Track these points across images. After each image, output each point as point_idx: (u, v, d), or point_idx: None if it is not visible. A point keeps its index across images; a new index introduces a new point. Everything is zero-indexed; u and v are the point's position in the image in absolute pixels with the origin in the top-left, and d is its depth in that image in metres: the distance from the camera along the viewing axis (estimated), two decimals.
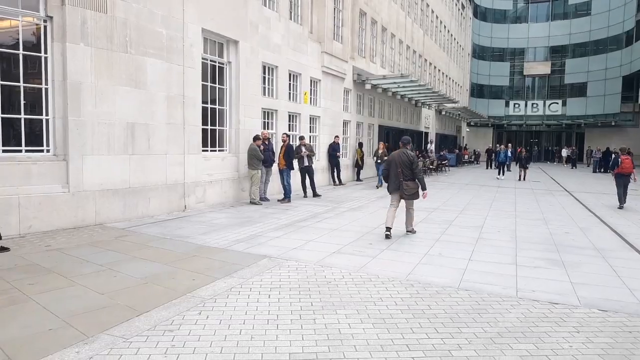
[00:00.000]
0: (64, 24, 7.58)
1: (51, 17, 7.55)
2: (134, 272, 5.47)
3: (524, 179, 22.03)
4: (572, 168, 35.49)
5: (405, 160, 7.90)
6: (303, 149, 13.08)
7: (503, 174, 23.57)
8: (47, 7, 7.51)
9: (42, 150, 7.75)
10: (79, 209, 7.92)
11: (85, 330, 3.78)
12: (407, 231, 8.28)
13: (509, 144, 27.29)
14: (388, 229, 7.84)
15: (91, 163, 8.04)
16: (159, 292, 4.80)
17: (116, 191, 8.51)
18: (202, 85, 10.65)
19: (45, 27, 7.60)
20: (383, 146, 17.56)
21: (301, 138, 13.62)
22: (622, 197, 12.65)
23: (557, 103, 50.16)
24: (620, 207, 12.60)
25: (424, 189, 8.02)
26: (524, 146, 49.29)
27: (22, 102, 7.46)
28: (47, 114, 7.73)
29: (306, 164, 13.14)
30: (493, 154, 30.78)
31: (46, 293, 4.67)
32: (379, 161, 17.31)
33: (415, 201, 8.18)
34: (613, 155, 14.06)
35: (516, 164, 24.60)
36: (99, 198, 8.20)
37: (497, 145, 29.04)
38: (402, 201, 8.15)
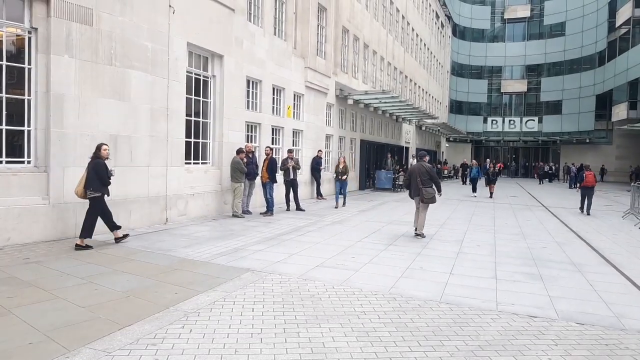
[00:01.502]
0: (49, 36, 7.56)
1: (36, 29, 7.53)
2: (116, 285, 5.42)
3: (492, 195, 20.98)
4: (540, 183, 36.01)
5: (423, 171, 9.46)
6: (290, 161, 13.14)
7: (476, 191, 22.14)
8: (32, 19, 7.49)
9: (22, 162, 7.66)
10: (59, 221, 7.81)
11: (67, 344, 3.74)
12: (415, 234, 9.61)
13: (487, 159, 27.49)
14: (417, 234, 9.58)
15: (73, 175, 7.93)
16: (141, 305, 4.77)
17: None
18: (186, 98, 10.67)
19: (29, 38, 7.59)
20: (344, 161, 15.04)
21: (290, 151, 13.70)
22: (583, 205, 15.15)
23: (534, 120, 51.43)
24: (581, 212, 15.23)
25: (439, 191, 9.53)
26: (503, 161, 50.44)
27: (4, 112, 7.37)
28: (29, 125, 7.66)
29: (291, 177, 13.19)
30: (468, 169, 30.89)
31: (26, 306, 4.60)
32: (339, 177, 14.78)
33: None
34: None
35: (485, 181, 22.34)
36: (79, 210, 8.07)
37: (473, 160, 28.75)
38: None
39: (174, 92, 10.06)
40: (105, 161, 7.50)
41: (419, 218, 9.59)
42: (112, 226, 7.72)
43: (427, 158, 9.81)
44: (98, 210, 7.50)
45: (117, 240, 7.78)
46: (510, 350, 4.00)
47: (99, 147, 7.49)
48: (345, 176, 14.87)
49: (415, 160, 30.58)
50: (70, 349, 3.68)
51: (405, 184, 10.14)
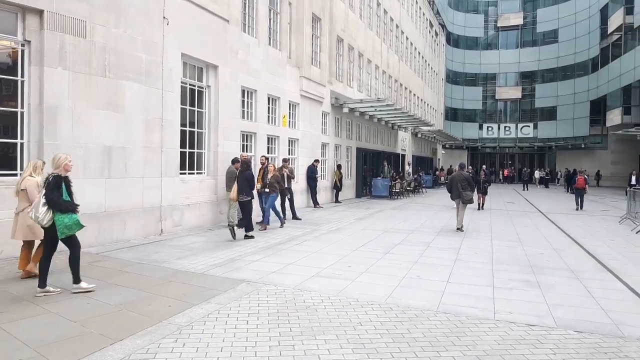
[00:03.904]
0: (42, 48, 7.53)
1: (29, 42, 7.50)
2: (108, 298, 5.35)
3: (482, 207, 18.35)
4: (524, 189, 34.52)
5: (462, 178, 11.87)
6: (285, 170, 13.09)
7: None
8: (25, 32, 7.46)
9: (15, 174, 7.58)
10: None
11: None
12: (457, 228, 11.85)
13: (483, 166, 27.06)
14: (458, 228, 11.82)
15: None
16: (133, 319, 4.70)
17: (91, 215, 8.33)
18: (181, 108, 10.64)
19: (22, 50, 7.54)
20: (274, 169, 11.69)
21: (284, 160, 13.67)
22: (577, 203, 18.98)
23: (529, 126, 51.68)
24: (576, 209, 18.65)
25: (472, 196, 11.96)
26: (509, 167, 50.14)
27: None
28: (22, 138, 7.60)
29: (286, 185, 13.13)
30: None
31: (16, 321, 4.53)
32: (266, 190, 11.44)
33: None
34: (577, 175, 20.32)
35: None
36: None
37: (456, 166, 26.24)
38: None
39: (168, 102, 10.04)
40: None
41: (459, 216, 11.87)
42: (250, 226, 9.85)
43: (466, 168, 12.39)
44: (251, 208, 9.85)
45: (247, 237, 9.71)
46: None
47: (248, 162, 10.01)
48: (273, 189, 11.36)
49: (410, 167, 30.84)
50: None
51: (447, 188, 12.58)
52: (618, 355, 4.11)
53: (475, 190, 21.35)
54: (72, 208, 5.49)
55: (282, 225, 11.77)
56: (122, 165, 8.95)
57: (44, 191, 5.43)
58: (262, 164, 12.53)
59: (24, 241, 6.31)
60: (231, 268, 7.05)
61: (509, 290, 6.23)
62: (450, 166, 31.60)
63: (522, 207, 19.84)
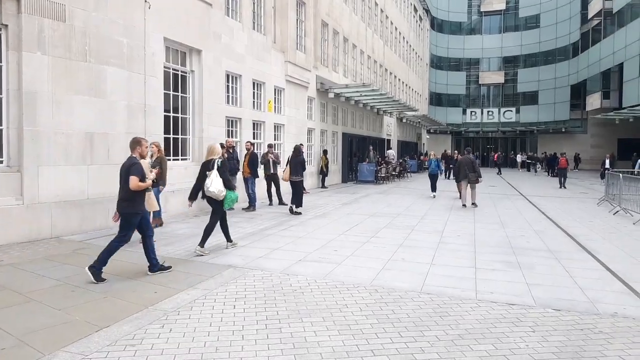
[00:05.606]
0: (20, 33, 7.37)
1: (6, 25, 7.33)
2: (93, 286, 5.32)
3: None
4: (499, 173, 33.51)
5: (468, 161, 13.78)
6: (271, 156, 13.10)
7: (435, 190, 16.98)
8: (2, 15, 7.28)
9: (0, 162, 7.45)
10: (33, 221, 7.63)
11: (42, 348, 3.67)
12: (472, 203, 13.66)
13: (467, 148, 26.19)
14: (464, 205, 13.61)
15: (47, 174, 7.78)
16: (119, 306, 4.70)
17: (73, 203, 8.26)
18: (164, 94, 10.52)
19: None
20: (158, 151, 8.63)
21: (269, 146, 13.65)
22: (561, 181, 21.36)
23: (511, 111, 52.23)
24: (559, 187, 20.97)
25: (479, 176, 13.80)
26: (483, 152, 50.61)
27: None
28: (0, 124, 7.44)
29: (272, 171, 13.14)
30: (451, 160, 26.81)
31: None
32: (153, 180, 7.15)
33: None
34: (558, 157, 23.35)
35: (449, 175, 18.41)
36: (55, 210, 7.94)
37: (431, 151, 21.47)
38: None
39: (151, 87, 9.90)
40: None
41: (471, 193, 13.74)
42: (299, 203, 11.53)
43: (470, 152, 14.74)
44: (302, 188, 11.70)
45: (293, 212, 11.30)
46: (489, 338, 4.06)
47: (300, 149, 12.04)
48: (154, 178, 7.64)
49: (391, 151, 30.99)
50: (45, 352, 3.60)
51: (455, 171, 14.63)
52: (593, 331, 4.27)
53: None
54: (234, 186, 7.30)
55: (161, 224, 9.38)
56: (104, 151, 8.84)
57: (215, 172, 6.97)
58: (248, 149, 12.51)
59: None
60: (217, 254, 7.07)
61: (490, 271, 6.37)
62: (445, 150, 32.83)
63: (504, 191, 20.13)
